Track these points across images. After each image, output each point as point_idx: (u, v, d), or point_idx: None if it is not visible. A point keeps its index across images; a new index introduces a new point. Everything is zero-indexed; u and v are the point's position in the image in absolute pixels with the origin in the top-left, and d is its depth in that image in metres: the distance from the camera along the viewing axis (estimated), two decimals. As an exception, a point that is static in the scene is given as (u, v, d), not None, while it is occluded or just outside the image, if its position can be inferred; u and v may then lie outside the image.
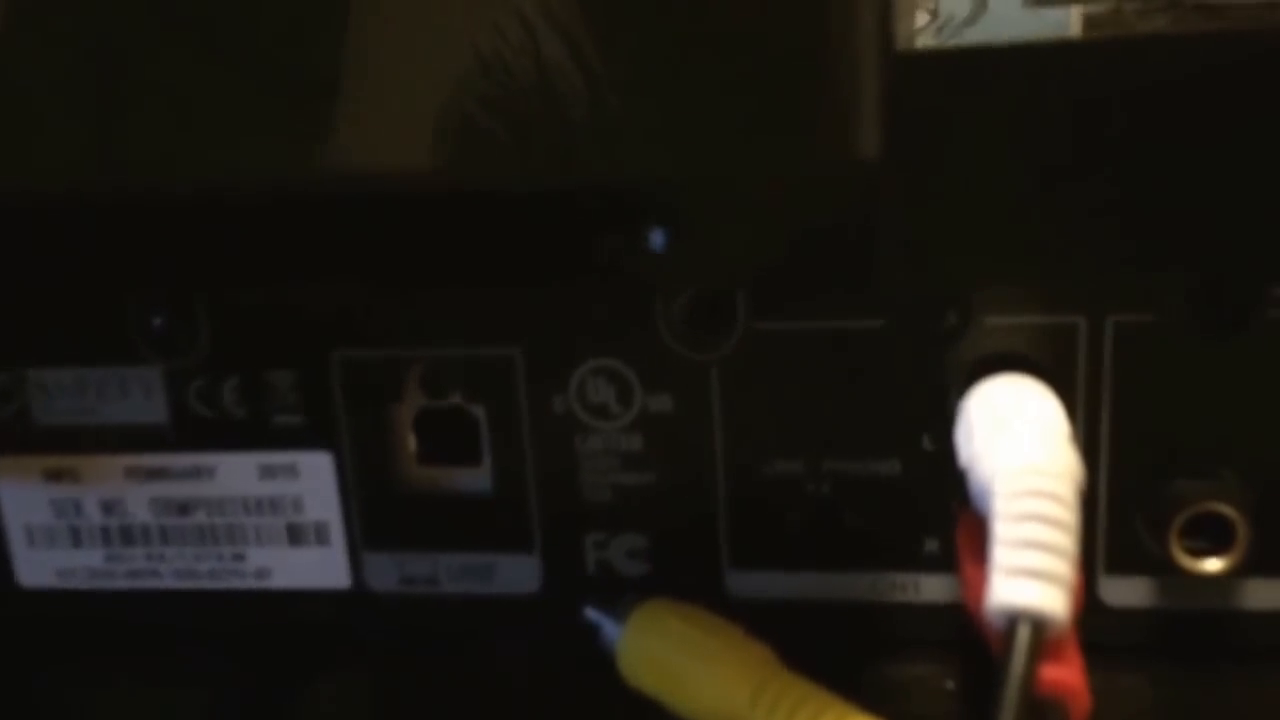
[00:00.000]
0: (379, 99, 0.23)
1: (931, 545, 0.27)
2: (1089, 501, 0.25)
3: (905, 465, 0.26)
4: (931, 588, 0.27)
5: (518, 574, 0.28)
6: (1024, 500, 0.20)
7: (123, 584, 0.30)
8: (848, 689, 0.24)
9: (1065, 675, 0.21)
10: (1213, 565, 0.25)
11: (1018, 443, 0.22)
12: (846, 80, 0.19)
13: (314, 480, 0.28)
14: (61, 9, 0.23)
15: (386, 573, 0.29)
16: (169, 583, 0.29)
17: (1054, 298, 0.25)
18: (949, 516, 0.26)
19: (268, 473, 0.29)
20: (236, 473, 0.29)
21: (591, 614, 0.27)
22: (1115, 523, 0.26)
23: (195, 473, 0.29)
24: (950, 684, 0.27)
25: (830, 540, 0.27)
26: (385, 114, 0.22)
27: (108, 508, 0.29)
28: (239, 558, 0.29)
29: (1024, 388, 0.24)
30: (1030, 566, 0.20)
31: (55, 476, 0.29)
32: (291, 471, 0.28)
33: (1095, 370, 0.25)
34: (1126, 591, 0.26)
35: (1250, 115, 0.23)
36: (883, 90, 0.19)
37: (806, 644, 0.25)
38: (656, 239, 0.22)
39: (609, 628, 0.26)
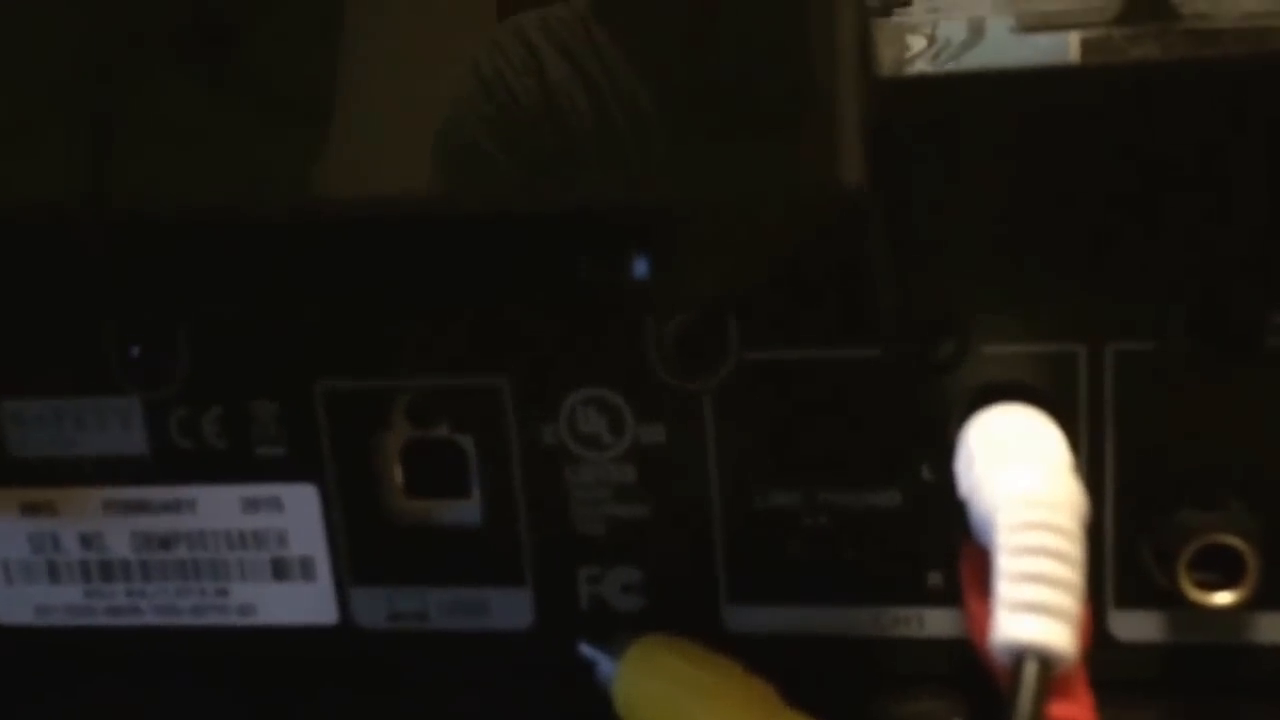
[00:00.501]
0: (364, 121, 0.22)
1: (934, 578, 0.26)
2: (1095, 535, 0.25)
3: (905, 496, 0.26)
4: (935, 622, 0.26)
5: (509, 609, 0.28)
6: (1027, 533, 0.20)
7: (103, 621, 0.29)
8: (849, 727, 0.24)
9: (1074, 712, 0.20)
10: (1223, 598, 0.24)
11: (1019, 474, 0.21)
12: (828, 106, 0.19)
13: (299, 513, 0.28)
14: (45, 31, 0.23)
15: (374, 608, 0.28)
16: (150, 619, 0.29)
17: (1053, 326, 0.25)
18: (951, 549, 0.25)
19: (251, 506, 0.28)
20: (219, 506, 0.28)
21: (586, 650, 0.26)
22: (1123, 556, 0.25)
23: (176, 506, 0.28)
24: (955, 721, 0.26)
25: (829, 573, 0.26)
26: (371, 137, 0.21)
27: (87, 542, 0.29)
28: (222, 593, 0.28)
29: (1024, 417, 0.23)
30: (1035, 601, 0.19)
31: (32, 510, 0.29)
32: (275, 504, 0.28)
33: (1097, 400, 0.25)
34: (1135, 626, 0.26)
35: (1244, 139, 0.23)
36: (864, 115, 0.19)
37: (807, 680, 0.25)
38: (639, 266, 0.22)
39: (604, 664, 0.26)
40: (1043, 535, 0.20)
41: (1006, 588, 0.19)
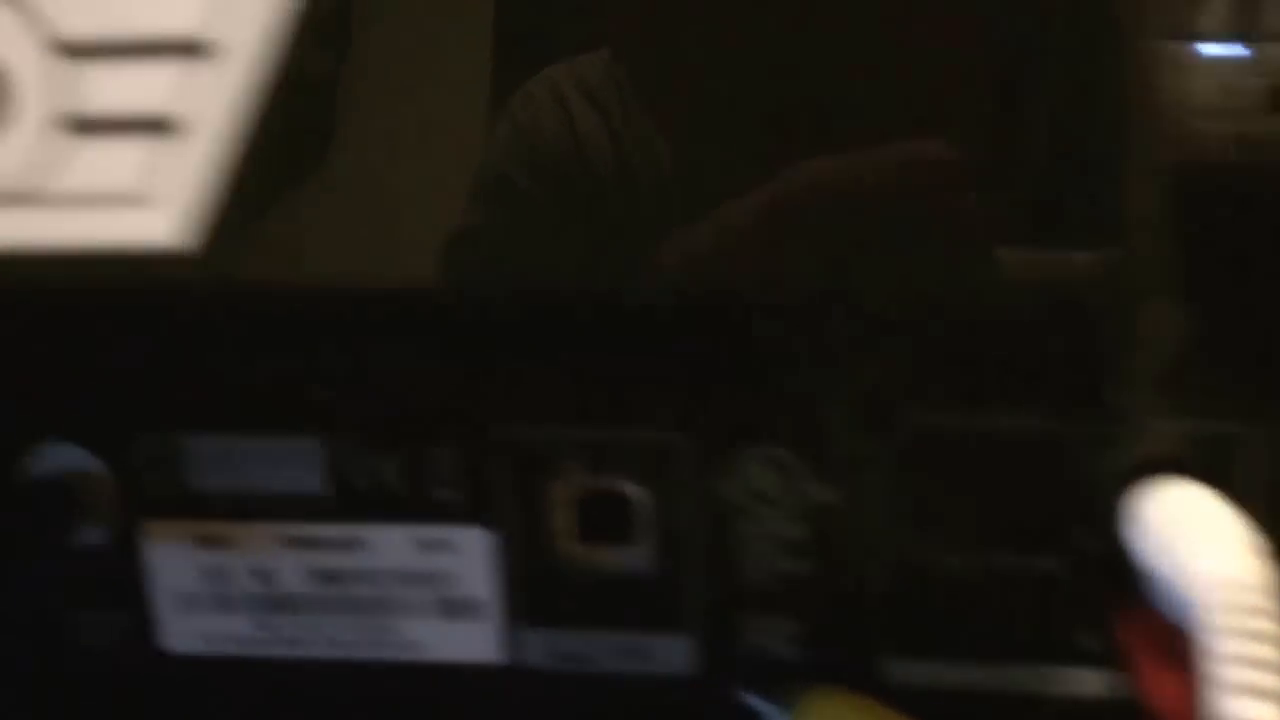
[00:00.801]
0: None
1: (1091, 641, 0.27)
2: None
3: (1066, 561, 0.27)
4: (1088, 682, 0.27)
5: (673, 655, 0.29)
6: (1243, 617, 0.21)
7: (271, 652, 0.30)
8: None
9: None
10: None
11: (1222, 554, 0.22)
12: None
13: (470, 555, 0.29)
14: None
15: (540, 650, 0.29)
16: (318, 652, 0.30)
17: (1214, 404, 0.26)
18: (1110, 612, 0.26)
19: (423, 546, 0.29)
20: (392, 545, 0.29)
21: (753, 701, 0.27)
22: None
23: (350, 544, 0.29)
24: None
25: (990, 632, 0.27)
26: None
27: (259, 575, 0.29)
28: (391, 630, 0.29)
29: (1201, 495, 0.24)
30: (1257, 685, 0.20)
31: (207, 542, 0.30)
32: (448, 546, 0.29)
33: (1254, 478, 0.26)
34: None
35: None
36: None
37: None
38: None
39: (774, 715, 0.27)
40: (1259, 619, 0.21)
41: (1224, 670, 0.21)
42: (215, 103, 0.22)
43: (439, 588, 0.29)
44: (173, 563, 0.30)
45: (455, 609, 0.29)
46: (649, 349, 0.27)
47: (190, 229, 0.23)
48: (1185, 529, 0.23)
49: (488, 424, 0.28)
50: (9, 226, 0.24)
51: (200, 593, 0.30)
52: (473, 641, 0.29)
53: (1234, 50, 0.26)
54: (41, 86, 0.23)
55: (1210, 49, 0.24)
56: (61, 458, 0.29)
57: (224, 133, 0.22)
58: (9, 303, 0.28)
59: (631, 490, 0.28)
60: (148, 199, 0.23)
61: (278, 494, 0.29)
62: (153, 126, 0.23)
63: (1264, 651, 0.20)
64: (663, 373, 0.27)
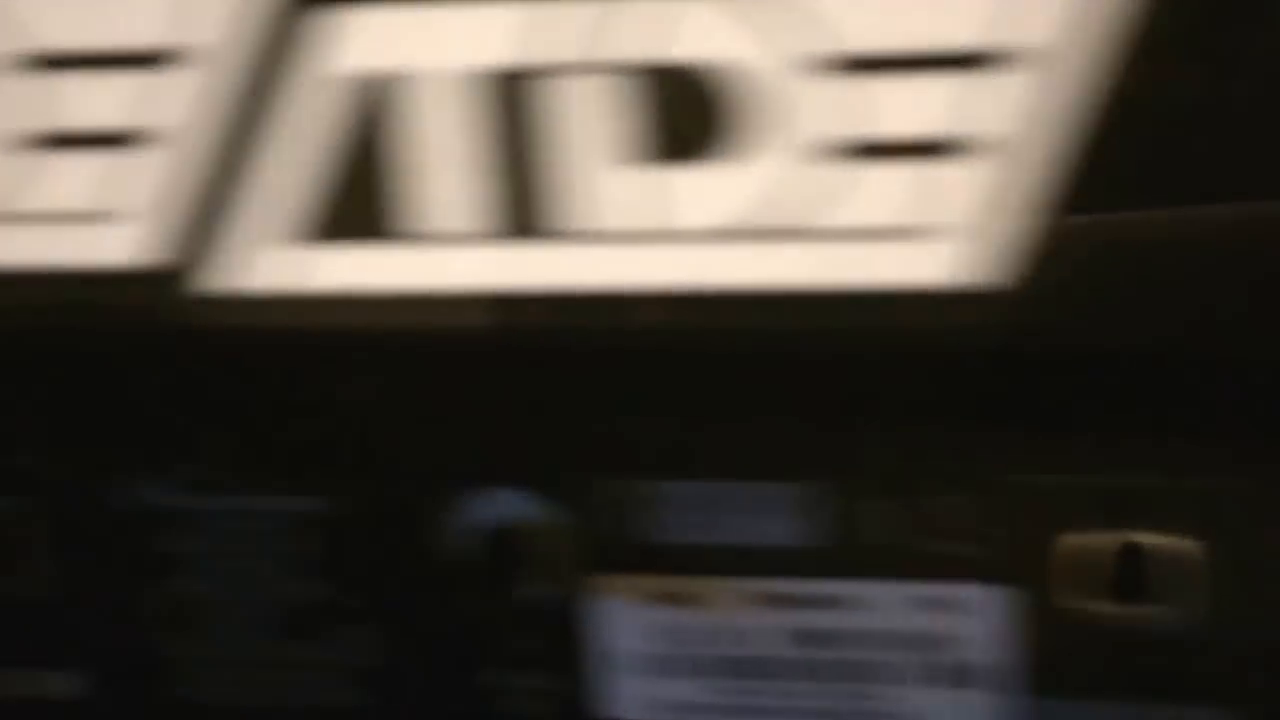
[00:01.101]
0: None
1: None
2: None
3: None
4: None
5: (1219, 731, 0.25)
6: None
7: (738, 721, 0.26)
8: None
9: None
10: None
11: None
12: None
13: (979, 617, 0.25)
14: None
15: (1062, 723, 0.26)
16: (790, 722, 0.26)
17: None
18: None
19: (923, 605, 0.25)
20: (885, 604, 0.25)
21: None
22: None
23: (834, 602, 0.26)
24: None
25: None
26: None
27: (728, 636, 0.26)
28: (877, 699, 0.26)
29: None
30: None
31: (666, 599, 0.26)
32: (953, 605, 0.25)
33: None
34: None
35: None
36: None
37: None
38: None
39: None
40: None
41: None
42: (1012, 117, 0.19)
43: (938, 652, 0.26)
44: (622, 621, 0.26)
45: (956, 676, 0.26)
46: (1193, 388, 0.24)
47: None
48: None
49: (1004, 470, 0.25)
50: (770, 263, 0.20)
51: (653, 655, 0.26)
52: (976, 713, 0.26)
53: None
54: (808, 106, 0.19)
55: None
56: (498, 506, 0.26)
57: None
58: (467, 344, 0.24)
59: (1176, 543, 0.24)
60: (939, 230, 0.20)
61: (748, 545, 0.26)
62: (938, 149, 0.20)
63: None
64: (1214, 412, 0.24)
